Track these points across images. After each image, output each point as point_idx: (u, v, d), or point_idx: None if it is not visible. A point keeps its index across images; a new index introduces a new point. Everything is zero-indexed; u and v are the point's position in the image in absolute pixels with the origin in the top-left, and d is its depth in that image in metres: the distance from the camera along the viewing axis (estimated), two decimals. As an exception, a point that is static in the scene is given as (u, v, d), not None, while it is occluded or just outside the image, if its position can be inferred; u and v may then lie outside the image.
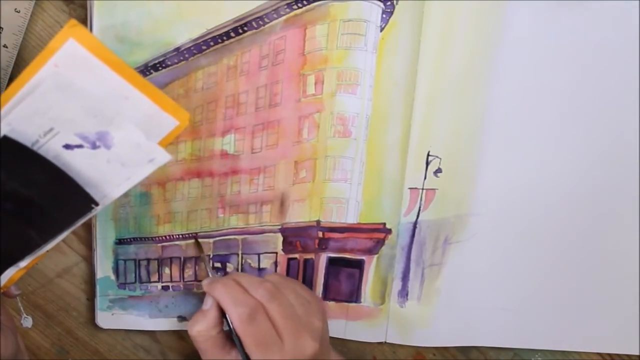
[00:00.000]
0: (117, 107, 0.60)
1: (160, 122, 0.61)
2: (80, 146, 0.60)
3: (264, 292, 0.66)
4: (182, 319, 0.76)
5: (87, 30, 0.57)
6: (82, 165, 0.61)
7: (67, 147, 0.60)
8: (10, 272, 0.66)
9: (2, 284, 0.65)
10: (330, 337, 0.75)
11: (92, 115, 0.59)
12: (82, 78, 0.58)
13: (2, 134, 0.59)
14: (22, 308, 0.75)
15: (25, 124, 0.59)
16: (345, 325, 0.77)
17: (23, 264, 0.66)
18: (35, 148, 0.60)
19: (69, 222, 0.64)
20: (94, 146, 0.61)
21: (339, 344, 0.77)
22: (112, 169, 0.62)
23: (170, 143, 0.64)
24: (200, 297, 0.75)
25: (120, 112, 0.60)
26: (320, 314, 0.69)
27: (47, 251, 0.66)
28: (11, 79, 0.69)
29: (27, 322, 0.75)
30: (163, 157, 0.62)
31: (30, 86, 0.58)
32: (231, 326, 0.65)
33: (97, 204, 0.63)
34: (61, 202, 0.63)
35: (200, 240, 0.74)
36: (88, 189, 0.63)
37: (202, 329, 0.67)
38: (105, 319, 0.76)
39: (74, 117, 0.59)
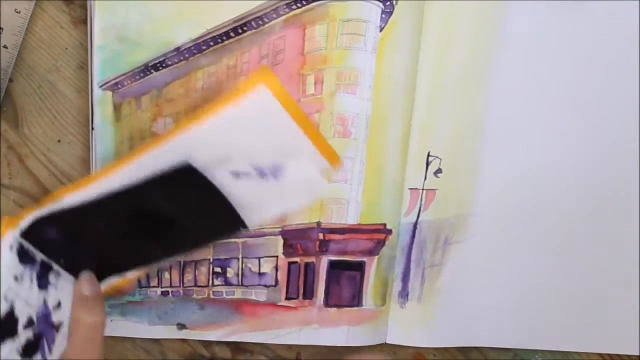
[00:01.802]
0: (289, 145, 0.61)
1: (316, 164, 0.62)
2: (247, 174, 0.61)
3: None
4: (181, 326, 0.76)
5: (275, 76, 0.58)
6: (240, 191, 0.63)
7: (235, 174, 0.61)
8: (114, 280, 0.67)
9: (101, 288, 0.66)
10: (332, 347, 0.76)
11: (272, 148, 0.60)
12: (267, 123, 0.59)
13: (181, 162, 0.60)
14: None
15: (202, 152, 0.60)
16: (348, 331, 0.76)
17: (131, 275, 0.66)
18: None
19: (208, 240, 0.66)
20: (262, 175, 0.62)
21: (339, 347, 0.77)
22: (269, 198, 0.63)
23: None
24: (200, 303, 0.75)
25: (289, 145, 0.61)
26: None
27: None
28: (11, 79, 0.69)
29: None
30: (324, 191, 0.65)
31: (215, 122, 0.59)
32: None
33: (246, 227, 0.64)
34: (209, 222, 0.64)
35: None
36: (239, 210, 0.64)
37: None
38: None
39: (251, 149, 0.60)
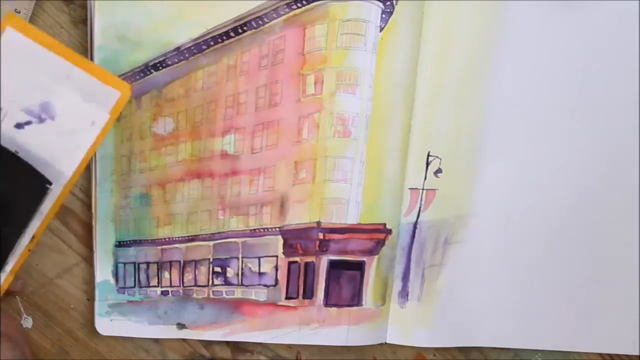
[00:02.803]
0: (58, 81, 0.61)
1: (104, 95, 0.62)
2: (29, 122, 0.61)
3: None
4: (181, 326, 0.76)
5: (22, 19, 0.59)
6: (35, 144, 0.62)
7: (18, 126, 0.61)
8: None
9: None
10: (331, 346, 0.76)
11: (31, 85, 0.60)
12: (25, 62, 0.59)
13: None
14: (22, 308, 0.75)
15: None
16: (347, 331, 0.76)
17: (8, 267, 0.66)
18: None
19: (31, 209, 0.64)
20: (41, 119, 0.61)
21: (339, 347, 0.77)
22: (62, 142, 0.62)
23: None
24: (200, 303, 0.75)
25: (58, 81, 0.61)
26: None
27: (29, 250, 0.65)
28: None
29: (27, 322, 0.75)
30: (103, 116, 0.62)
31: None
32: None
33: (50, 183, 0.63)
34: (18, 188, 0.63)
35: (200, 243, 0.74)
36: (46, 169, 0.63)
37: None
38: (104, 325, 0.75)
39: (16, 93, 0.60)
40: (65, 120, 0.62)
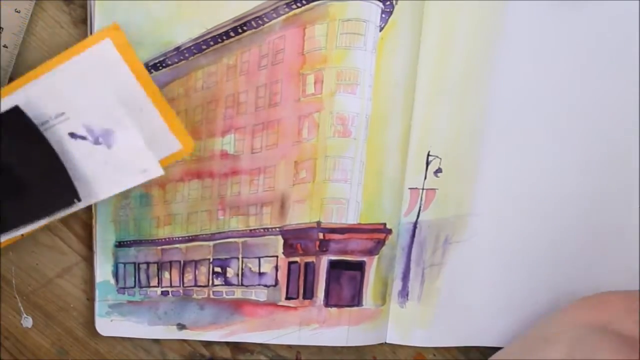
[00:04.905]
0: (129, 113, 0.60)
1: (165, 142, 0.62)
2: (83, 138, 0.61)
3: None
4: (181, 326, 0.76)
5: (124, 35, 0.59)
6: (79, 158, 0.62)
7: (72, 135, 0.61)
8: None
9: None
10: (332, 347, 0.77)
11: (103, 109, 0.60)
12: (107, 79, 0.59)
13: (15, 104, 0.60)
14: (22, 308, 0.75)
15: (41, 101, 0.59)
16: (348, 331, 0.76)
17: None
18: (42, 128, 0.60)
19: (47, 212, 0.63)
20: (96, 142, 0.61)
21: (339, 347, 0.77)
22: (106, 170, 0.62)
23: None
24: (200, 303, 0.75)
25: (130, 115, 0.60)
26: None
27: (23, 235, 0.66)
28: (11, 79, 0.69)
29: (27, 322, 0.75)
30: (156, 170, 0.62)
31: (56, 74, 0.59)
32: None
33: (79, 199, 0.63)
34: (45, 188, 0.63)
35: (200, 243, 0.74)
36: (80, 182, 0.63)
37: None
38: (105, 325, 0.75)
39: (86, 107, 0.60)
40: (119, 156, 0.61)
